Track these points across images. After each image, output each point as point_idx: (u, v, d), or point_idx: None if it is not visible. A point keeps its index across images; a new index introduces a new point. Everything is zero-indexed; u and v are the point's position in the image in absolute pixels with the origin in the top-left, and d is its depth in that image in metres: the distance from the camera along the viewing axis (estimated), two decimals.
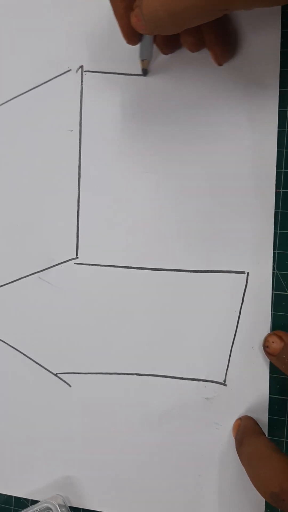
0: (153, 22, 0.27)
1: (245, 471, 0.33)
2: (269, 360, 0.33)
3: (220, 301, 0.34)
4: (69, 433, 0.37)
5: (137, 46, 0.32)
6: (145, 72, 0.34)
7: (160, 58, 0.34)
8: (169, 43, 0.33)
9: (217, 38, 0.31)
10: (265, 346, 0.32)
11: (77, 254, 0.36)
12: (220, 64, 0.32)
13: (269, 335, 0.32)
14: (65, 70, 0.36)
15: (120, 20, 0.30)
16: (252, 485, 0.33)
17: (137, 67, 0.34)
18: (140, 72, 0.34)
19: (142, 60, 0.33)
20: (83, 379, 0.36)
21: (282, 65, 0.32)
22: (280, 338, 0.32)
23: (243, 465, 0.30)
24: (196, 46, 0.31)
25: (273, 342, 0.32)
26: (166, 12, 0.26)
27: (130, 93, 0.35)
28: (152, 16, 0.26)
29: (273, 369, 0.33)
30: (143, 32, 0.29)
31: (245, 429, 0.31)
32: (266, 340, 0.32)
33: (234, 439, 0.33)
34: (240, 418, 0.33)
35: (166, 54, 0.34)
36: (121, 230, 0.35)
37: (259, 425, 0.32)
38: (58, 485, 0.37)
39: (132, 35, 0.30)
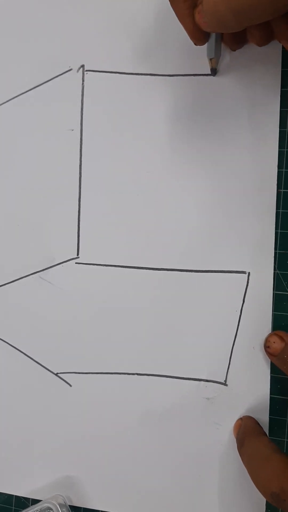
0: (215, 19, 0.25)
1: (245, 471, 0.33)
2: (270, 360, 0.33)
3: (221, 301, 0.34)
4: (70, 433, 0.37)
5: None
6: (214, 72, 0.33)
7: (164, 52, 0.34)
8: (238, 38, 0.31)
9: None
10: (266, 346, 0.32)
11: (78, 254, 0.36)
12: (234, 50, 0.31)
13: (270, 335, 0.32)
14: (66, 70, 0.36)
15: (183, 21, 0.28)
16: (253, 485, 0.33)
17: (138, 67, 0.34)
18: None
19: (211, 59, 0.32)
20: (84, 379, 0.36)
21: (283, 65, 0.32)
22: (281, 338, 0.32)
23: (245, 465, 0.30)
24: (265, 40, 0.29)
25: (274, 342, 0.32)
26: (228, 9, 0.24)
27: (131, 93, 0.35)
28: (213, 12, 0.25)
29: (274, 369, 0.33)
30: (206, 29, 0.27)
31: (246, 429, 0.31)
32: (267, 340, 0.32)
33: (235, 439, 0.33)
34: (241, 418, 0.33)
35: (234, 50, 0.32)
36: (122, 229, 0.35)
37: (260, 425, 0.32)
38: (58, 485, 0.37)
39: (198, 35, 0.29)
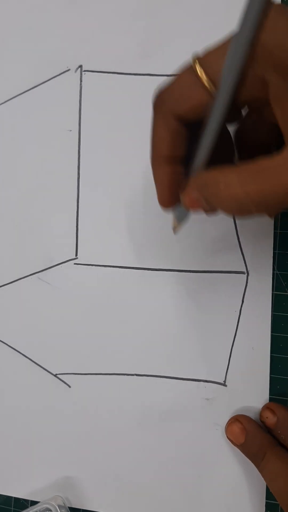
0: (234, 212, 0.23)
1: (245, 471, 0.33)
2: (269, 360, 0.33)
3: (220, 301, 0.34)
4: (69, 434, 0.36)
5: None
6: (175, 232, 0.33)
7: None
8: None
9: None
10: (262, 421, 0.32)
11: (76, 255, 0.36)
12: None
13: (263, 409, 0.33)
14: (64, 70, 0.36)
15: (161, 188, 0.27)
16: (253, 485, 0.33)
17: (136, 68, 0.34)
18: (141, 72, 0.34)
19: (175, 221, 0.30)
20: (83, 380, 0.36)
21: None
22: (273, 412, 0.32)
23: (267, 481, 0.30)
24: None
25: (267, 417, 0.32)
26: (253, 206, 0.22)
27: (129, 93, 0.35)
28: (233, 208, 0.23)
29: (273, 370, 0.33)
30: (203, 211, 0.26)
31: (263, 441, 0.31)
32: (260, 415, 0.33)
33: (232, 441, 0.32)
34: (239, 421, 0.32)
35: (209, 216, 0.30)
36: (121, 230, 0.35)
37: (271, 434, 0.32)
38: (57, 486, 0.37)
39: (169, 204, 0.27)
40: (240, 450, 0.32)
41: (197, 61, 0.23)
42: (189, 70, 0.23)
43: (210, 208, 0.25)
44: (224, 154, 0.25)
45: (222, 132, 0.25)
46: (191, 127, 0.25)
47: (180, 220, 0.30)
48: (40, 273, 0.37)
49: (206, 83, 0.23)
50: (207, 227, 0.34)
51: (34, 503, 0.37)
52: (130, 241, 0.35)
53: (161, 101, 0.25)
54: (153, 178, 0.27)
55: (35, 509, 0.35)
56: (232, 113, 0.24)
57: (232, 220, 0.34)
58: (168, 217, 0.35)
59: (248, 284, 0.33)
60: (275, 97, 0.22)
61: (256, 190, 0.22)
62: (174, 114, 0.24)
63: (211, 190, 0.24)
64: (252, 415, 0.33)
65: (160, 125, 0.25)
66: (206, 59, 0.23)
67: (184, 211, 0.28)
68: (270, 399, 0.33)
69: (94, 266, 0.36)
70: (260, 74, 0.22)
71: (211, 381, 0.34)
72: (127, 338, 0.35)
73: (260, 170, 0.22)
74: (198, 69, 0.23)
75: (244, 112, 0.26)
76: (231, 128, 0.27)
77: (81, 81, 0.36)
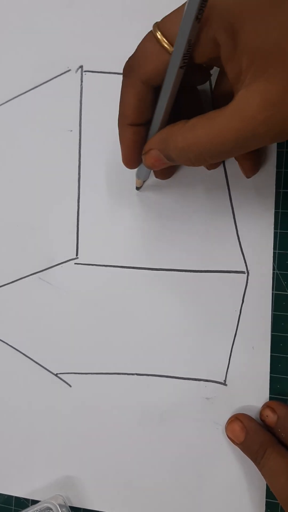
0: (189, 162, 0.26)
1: (245, 472, 0.33)
2: (269, 360, 0.33)
3: (220, 301, 0.34)
4: (70, 433, 0.37)
5: None
6: (138, 189, 0.35)
7: None
8: (169, 171, 0.33)
9: (248, 153, 0.30)
10: (262, 420, 0.32)
11: (77, 254, 0.36)
12: (248, 177, 0.32)
13: (263, 407, 0.33)
14: (65, 70, 0.36)
15: (126, 150, 0.29)
16: (252, 485, 0.33)
17: None
18: None
19: (138, 179, 0.33)
20: (83, 379, 0.36)
21: None
22: (273, 410, 0.32)
23: (266, 479, 0.31)
24: (218, 165, 0.31)
25: (267, 416, 0.32)
26: (207, 155, 0.24)
27: None
28: (188, 159, 0.25)
29: (273, 369, 0.33)
30: (164, 167, 0.28)
31: (263, 438, 0.31)
32: (261, 414, 0.33)
33: (232, 440, 0.33)
34: (239, 419, 0.32)
35: (162, 179, 0.33)
36: (121, 230, 0.35)
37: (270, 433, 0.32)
38: (58, 485, 0.37)
39: (133, 164, 0.30)
40: (240, 448, 0.32)
41: (156, 25, 0.25)
42: (150, 36, 0.25)
43: (167, 162, 0.27)
44: (193, 114, 0.27)
45: (189, 93, 0.27)
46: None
47: (142, 178, 0.33)
48: (40, 272, 0.37)
49: (165, 44, 0.24)
50: (207, 227, 0.34)
51: (34, 502, 0.37)
52: (130, 241, 0.35)
53: (128, 67, 0.26)
54: (118, 140, 0.29)
55: (35, 508, 0.35)
56: (198, 74, 0.27)
57: (232, 220, 0.34)
58: (167, 215, 0.35)
59: (248, 283, 0.33)
60: (225, 56, 0.23)
61: (193, 139, 0.24)
62: (140, 79, 0.26)
63: (163, 144, 0.26)
64: (252, 414, 0.33)
65: (127, 90, 0.27)
66: (164, 23, 0.25)
67: (146, 169, 0.31)
68: (270, 399, 0.33)
69: (94, 266, 0.36)
70: (212, 35, 0.23)
71: (211, 380, 0.34)
72: (128, 338, 0.35)
73: (202, 121, 0.24)
74: (158, 33, 0.24)
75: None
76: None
77: (81, 81, 0.36)
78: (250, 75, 0.22)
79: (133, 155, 0.29)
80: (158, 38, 0.24)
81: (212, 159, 0.25)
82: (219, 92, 0.28)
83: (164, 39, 0.24)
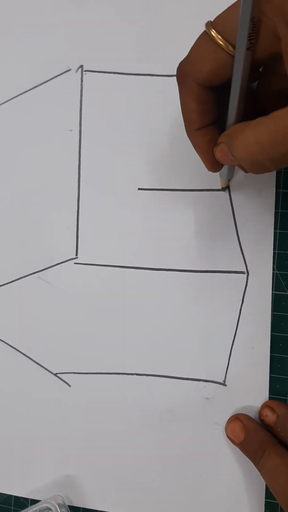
0: (250, 165, 0.24)
1: (245, 472, 0.33)
2: (269, 360, 0.33)
3: (220, 301, 0.34)
4: (69, 433, 0.37)
5: None
6: (224, 190, 0.34)
7: None
8: None
9: None
10: (261, 420, 0.32)
11: (76, 254, 0.36)
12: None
13: (262, 407, 0.32)
14: (65, 70, 0.36)
15: (203, 155, 0.28)
16: (252, 485, 0.33)
17: (137, 68, 0.34)
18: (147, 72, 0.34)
19: (222, 179, 0.32)
20: (83, 379, 0.36)
21: None
22: (272, 410, 0.32)
23: (265, 477, 0.30)
24: (221, 167, 0.30)
25: (266, 415, 0.32)
26: (267, 159, 0.23)
27: (130, 93, 0.35)
28: (249, 161, 0.24)
29: (273, 369, 0.33)
30: (233, 164, 0.27)
31: (264, 438, 0.31)
32: (260, 413, 0.32)
33: (232, 440, 0.33)
34: (238, 419, 0.32)
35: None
36: (121, 230, 0.35)
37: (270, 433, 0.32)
38: (58, 485, 0.37)
39: (216, 166, 0.29)
40: (240, 448, 0.32)
41: (210, 24, 0.24)
42: (203, 36, 0.24)
43: (233, 159, 0.25)
44: (253, 111, 0.26)
45: (249, 91, 0.26)
46: (220, 90, 0.25)
47: (226, 177, 0.31)
48: (40, 272, 0.37)
49: (221, 42, 0.23)
50: (207, 227, 0.34)
51: (34, 502, 0.37)
52: (130, 241, 0.35)
53: (182, 73, 0.25)
54: (194, 148, 0.28)
55: (35, 508, 0.35)
56: (252, 72, 0.25)
57: (232, 220, 0.34)
58: (167, 215, 0.35)
59: (248, 284, 0.33)
60: (286, 51, 0.22)
61: (267, 139, 0.22)
62: (197, 81, 0.25)
63: (232, 141, 0.25)
64: (252, 414, 0.33)
65: (186, 97, 0.26)
66: (218, 21, 0.24)
67: (228, 168, 0.30)
68: (270, 399, 0.33)
69: (94, 266, 0.36)
70: (272, 29, 0.22)
71: (211, 380, 0.34)
72: (127, 338, 0.35)
73: (271, 120, 0.23)
74: (212, 31, 0.24)
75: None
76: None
77: (82, 81, 0.36)
78: None
79: (212, 157, 0.28)
80: (214, 37, 0.23)
81: (271, 163, 0.24)
82: (271, 90, 0.27)
83: (221, 37, 0.23)
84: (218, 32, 0.23)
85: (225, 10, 0.24)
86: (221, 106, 0.26)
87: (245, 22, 0.22)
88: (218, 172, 0.30)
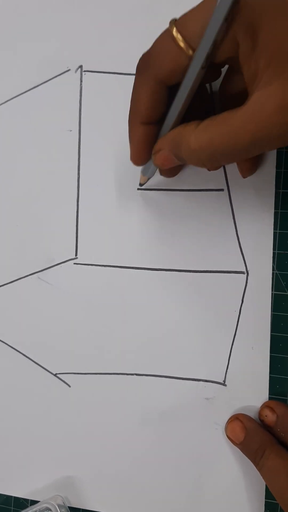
0: (196, 162, 0.25)
1: (244, 471, 0.33)
2: (269, 360, 0.33)
3: (220, 301, 0.34)
4: (69, 434, 0.36)
5: None
6: (141, 185, 0.35)
7: None
8: (176, 169, 0.32)
9: None
10: (261, 420, 0.32)
11: (76, 254, 0.36)
12: (245, 177, 0.32)
13: (261, 407, 0.32)
14: (64, 70, 0.36)
15: (137, 149, 0.29)
16: (252, 485, 0.33)
17: (135, 68, 0.34)
18: None
19: (143, 176, 0.33)
20: (83, 379, 0.36)
21: None
22: (272, 410, 0.32)
23: (264, 478, 0.30)
24: (220, 166, 0.31)
25: (266, 416, 0.32)
26: (206, 154, 0.24)
27: (129, 93, 0.35)
28: (194, 159, 0.25)
29: (273, 369, 0.33)
30: (173, 165, 0.28)
31: (263, 438, 0.31)
32: (260, 413, 0.32)
33: (232, 440, 0.33)
34: (239, 419, 0.32)
35: (168, 177, 0.33)
36: (121, 230, 0.35)
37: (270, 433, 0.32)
38: (57, 486, 0.37)
39: (141, 161, 0.30)
40: (240, 449, 0.32)
41: (174, 24, 0.24)
42: (167, 34, 0.24)
43: (177, 162, 0.27)
44: (204, 113, 0.26)
45: (201, 92, 0.26)
46: (174, 90, 0.26)
47: (148, 175, 0.32)
48: (40, 272, 0.37)
49: (182, 44, 0.24)
50: (207, 227, 0.34)
51: (34, 502, 0.37)
52: (130, 241, 0.35)
53: (143, 64, 0.26)
54: (128, 136, 0.28)
55: (35, 509, 0.35)
56: (210, 72, 0.26)
57: (232, 220, 0.34)
58: (166, 215, 0.35)
59: (247, 284, 0.33)
60: (243, 56, 0.23)
61: (207, 141, 0.24)
62: (155, 78, 0.25)
63: (175, 144, 0.26)
64: (252, 414, 0.33)
65: (140, 88, 0.26)
66: (183, 21, 0.24)
67: (152, 167, 0.31)
68: (270, 399, 0.33)
69: (94, 266, 0.36)
70: (232, 34, 0.23)
71: (211, 380, 0.34)
72: (127, 338, 0.35)
73: (216, 122, 0.24)
74: (175, 32, 0.24)
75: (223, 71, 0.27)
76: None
77: (81, 81, 0.36)
78: (267, 76, 0.22)
79: (142, 153, 0.29)
80: (176, 39, 0.24)
81: (225, 161, 0.25)
82: (227, 91, 0.28)
83: (182, 39, 0.24)
84: (180, 33, 0.24)
85: (191, 10, 0.24)
86: (169, 108, 0.27)
87: (215, 28, 0.22)
88: (141, 169, 0.32)
